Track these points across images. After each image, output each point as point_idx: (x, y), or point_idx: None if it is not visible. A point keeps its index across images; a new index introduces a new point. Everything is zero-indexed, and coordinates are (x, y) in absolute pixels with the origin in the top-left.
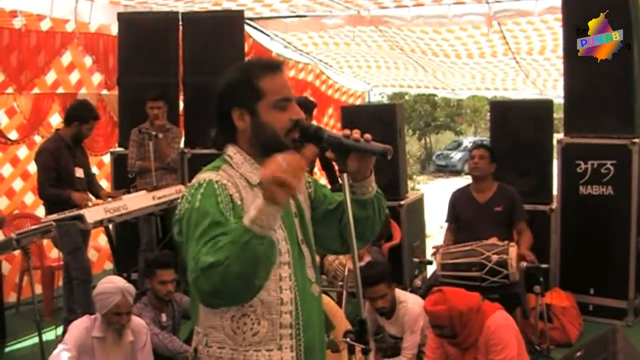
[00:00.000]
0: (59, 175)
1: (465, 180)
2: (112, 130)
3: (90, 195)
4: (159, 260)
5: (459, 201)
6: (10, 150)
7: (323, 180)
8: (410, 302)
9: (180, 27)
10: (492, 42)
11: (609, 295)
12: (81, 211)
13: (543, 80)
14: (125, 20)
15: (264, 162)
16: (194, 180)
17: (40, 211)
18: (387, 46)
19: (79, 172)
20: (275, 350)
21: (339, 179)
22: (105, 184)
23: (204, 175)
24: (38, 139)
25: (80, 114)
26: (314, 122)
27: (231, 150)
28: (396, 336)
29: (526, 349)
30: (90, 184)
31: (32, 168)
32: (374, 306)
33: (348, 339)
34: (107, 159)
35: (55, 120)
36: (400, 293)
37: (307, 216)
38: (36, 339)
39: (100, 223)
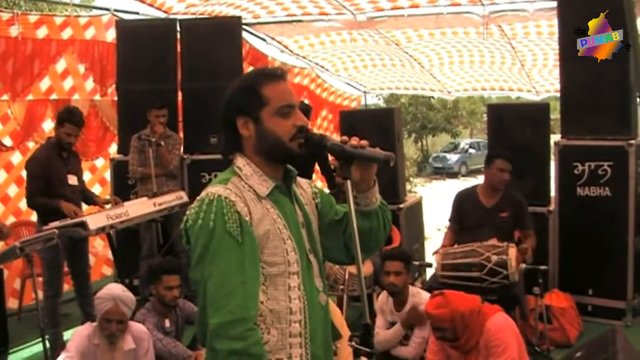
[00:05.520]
0: (49, 182)
1: (462, 183)
2: (103, 136)
3: (83, 204)
4: (164, 266)
5: (465, 203)
6: (4, 156)
7: (319, 184)
8: (423, 296)
9: (178, 34)
10: (490, 29)
11: (608, 295)
12: (84, 218)
13: (538, 70)
14: (124, 27)
15: (270, 171)
16: (203, 194)
17: (35, 217)
18: (383, 42)
19: (73, 180)
20: (285, 359)
21: (337, 184)
22: (98, 189)
23: (214, 190)
24: (32, 145)
25: (58, 117)
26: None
27: (240, 162)
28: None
29: (526, 350)
30: (83, 192)
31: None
32: (386, 282)
33: (353, 343)
34: (99, 163)
35: (48, 126)
36: (414, 288)
37: (315, 226)
38: (39, 346)
39: (102, 230)
